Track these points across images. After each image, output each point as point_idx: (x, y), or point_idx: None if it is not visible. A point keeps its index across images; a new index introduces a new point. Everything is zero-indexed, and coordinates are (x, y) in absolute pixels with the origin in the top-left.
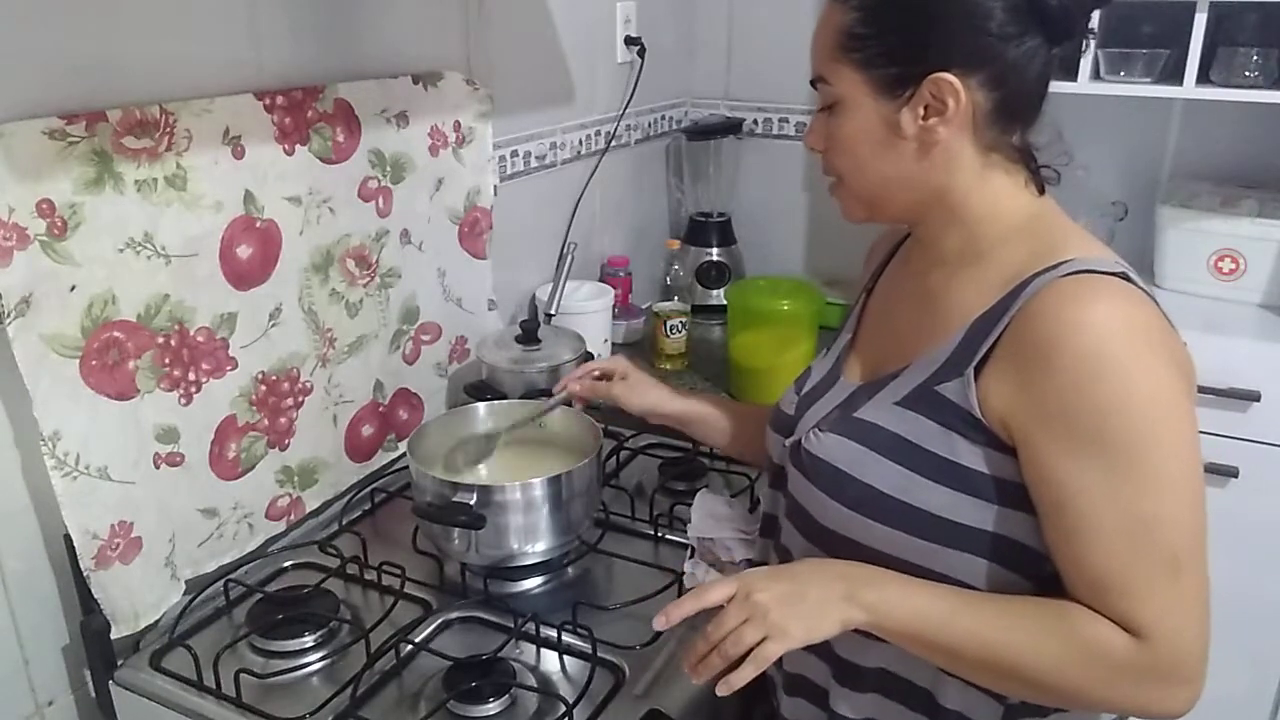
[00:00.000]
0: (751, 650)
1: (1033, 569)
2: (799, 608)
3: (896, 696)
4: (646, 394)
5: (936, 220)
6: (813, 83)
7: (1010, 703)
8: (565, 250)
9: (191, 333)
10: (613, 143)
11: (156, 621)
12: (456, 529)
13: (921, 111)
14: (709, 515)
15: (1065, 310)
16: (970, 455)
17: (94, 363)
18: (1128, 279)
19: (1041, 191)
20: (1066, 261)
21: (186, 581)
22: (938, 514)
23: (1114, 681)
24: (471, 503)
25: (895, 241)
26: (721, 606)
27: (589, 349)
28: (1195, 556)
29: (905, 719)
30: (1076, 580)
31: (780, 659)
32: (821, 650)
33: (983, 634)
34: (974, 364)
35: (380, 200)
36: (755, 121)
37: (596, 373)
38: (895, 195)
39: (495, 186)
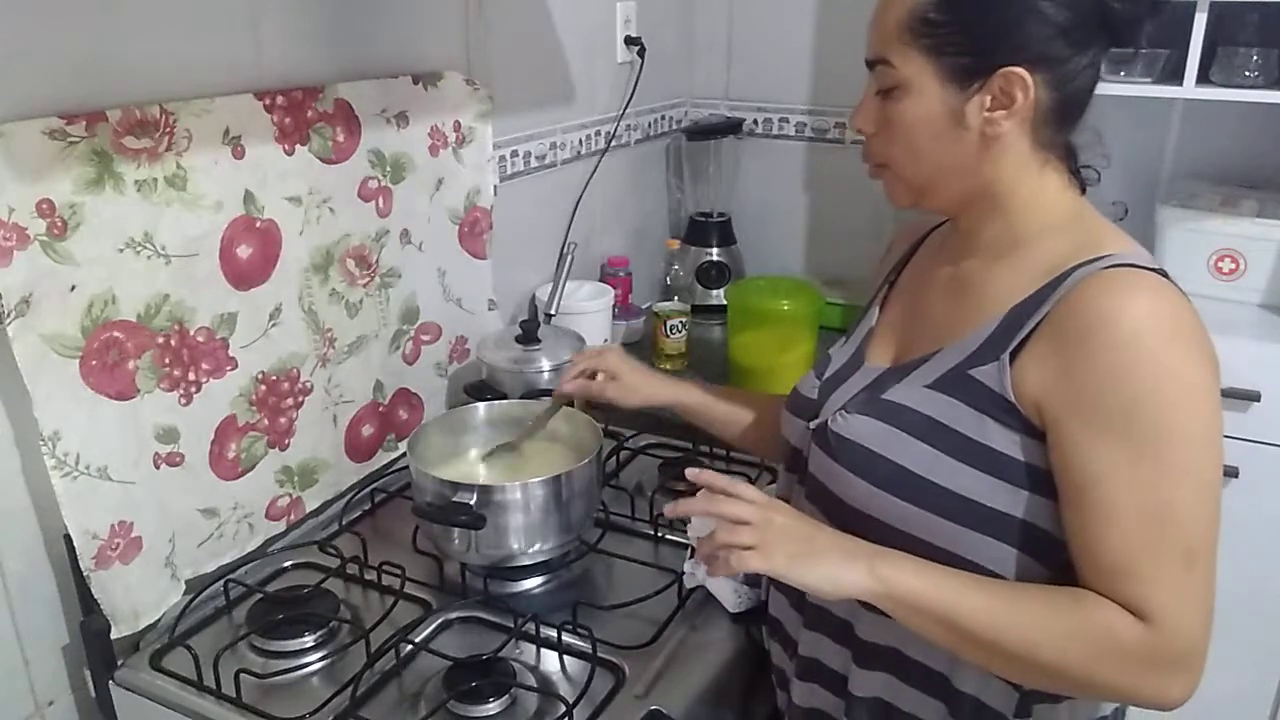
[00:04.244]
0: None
1: (1055, 557)
2: (799, 545)
3: (912, 680)
4: (638, 390)
5: (980, 211)
6: (871, 64)
7: (1026, 687)
8: (565, 250)
9: (191, 333)
10: (613, 143)
11: (156, 621)
12: (456, 529)
13: (988, 103)
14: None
15: (1107, 300)
16: (1001, 439)
17: (94, 363)
18: (1165, 277)
19: (1083, 191)
20: (1108, 255)
21: (186, 581)
22: (966, 496)
23: (1119, 666)
24: (471, 503)
25: (921, 232)
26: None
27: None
28: (1208, 550)
29: (920, 702)
30: (1091, 565)
31: (795, 645)
32: (842, 635)
33: (993, 611)
34: (1011, 349)
35: (380, 200)
36: (755, 121)
37: (587, 373)
38: (947, 184)
39: (495, 186)
